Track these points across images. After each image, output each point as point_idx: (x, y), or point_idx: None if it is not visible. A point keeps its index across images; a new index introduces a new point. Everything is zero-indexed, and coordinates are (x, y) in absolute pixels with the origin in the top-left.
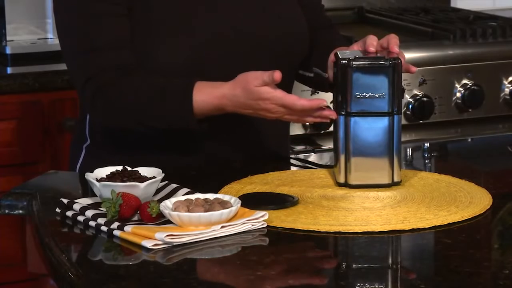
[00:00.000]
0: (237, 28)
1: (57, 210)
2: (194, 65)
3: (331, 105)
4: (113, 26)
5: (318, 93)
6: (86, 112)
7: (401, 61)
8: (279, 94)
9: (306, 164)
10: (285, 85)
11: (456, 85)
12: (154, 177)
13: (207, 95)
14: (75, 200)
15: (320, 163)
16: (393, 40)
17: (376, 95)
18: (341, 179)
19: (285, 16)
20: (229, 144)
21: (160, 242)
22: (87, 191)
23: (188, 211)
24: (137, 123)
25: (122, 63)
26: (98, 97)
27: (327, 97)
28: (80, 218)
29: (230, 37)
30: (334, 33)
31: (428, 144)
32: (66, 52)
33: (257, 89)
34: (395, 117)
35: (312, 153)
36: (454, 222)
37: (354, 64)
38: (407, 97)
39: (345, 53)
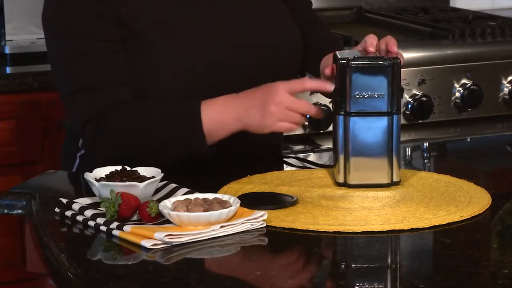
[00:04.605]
0: (234, 46)
1: (56, 209)
2: (189, 83)
3: (330, 105)
4: (109, 63)
5: (316, 93)
6: (89, 152)
7: (400, 61)
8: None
9: (305, 164)
10: None
11: (455, 84)
12: (153, 177)
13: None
14: (74, 200)
15: (319, 162)
16: (391, 41)
17: (375, 95)
18: (340, 179)
19: (279, 28)
20: (228, 143)
21: (159, 242)
22: (86, 190)
23: (187, 211)
24: (144, 156)
25: (121, 100)
26: (100, 138)
27: (325, 99)
28: (79, 217)
29: (229, 59)
30: (323, 30)
31: (427, 144)
32: (63, 92)
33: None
34: (394, 117)
35: (311, 153)
36: (453, 222)
37: (353, 64)
38: (406, 97)
39: (344, 53)
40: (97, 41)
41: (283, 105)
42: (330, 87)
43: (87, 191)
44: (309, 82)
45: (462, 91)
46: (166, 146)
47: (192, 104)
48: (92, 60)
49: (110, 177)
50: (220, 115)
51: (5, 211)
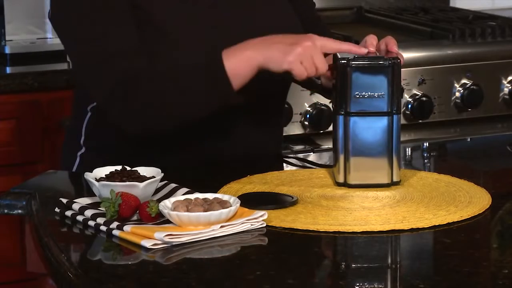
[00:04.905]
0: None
1: (56, 209)
2: None
3: (330, 105)
4: (123, 32)
5: (314, 94)
6: (120, 125)
7: (400, 61)
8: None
9: (305, 164)
10: (280, 92)
11: (455, 84)
12: (153, 177)
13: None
14: (74, 200)
15: (319, 162)
16: (391, 41)
17: (376, 95)
18: (340, 179)
19: (279, 27)
20: (227, 143)
21: (159, 242)
22: (87, 190)
23: (187, 210)
24: (177, 113)
25: (141, 66)
26: (130, 102)
27: (325, 99)
28: (79, 217)
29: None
30: (325, 32)
31: (427, 144)
32: (80, 66)
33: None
34: (394, 116)
35: (312, 153)
36: (453, 222)
37: (353, 63)
38: (406, 96)
39: (344, 53)
40: (109, 10)
41: (310, 51)
42: (362, 50)
43: (88, 191)
44: (341, 43)
45: (462, 91)
46: (194, 97)
47: (212, 46)
48: (108, 30)
49: (110, 177)
50: (243, 50)
51: (5, 211)
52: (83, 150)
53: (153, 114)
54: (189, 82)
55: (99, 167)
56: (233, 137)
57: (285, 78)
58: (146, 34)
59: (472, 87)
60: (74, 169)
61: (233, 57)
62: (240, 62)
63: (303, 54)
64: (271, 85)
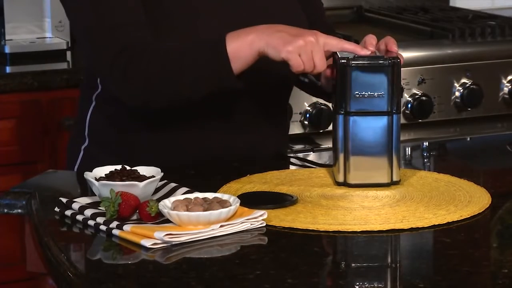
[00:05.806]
0: None
1: (56, 209)
2: None
3: (330, 105)
4: (132, 7)
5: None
6: (119, 95)
7: (400, 60)
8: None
9: (305, 163)
10: (283, 92)
11: (455, 84)
12: (153, 176)
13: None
14: (74, 199)
15: (319, 162)
16: (391, 41)
17: (375, 94)
18: (340, 178)
19: (290, 24)
20: (228, 143)
21: (159, 241)
22: (86, 190)
23: (187, 210)
24: (175, 87)
25: (147, 40)
26: (131, 70)
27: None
28: (79, 217)
29: None
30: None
31: (427, 143)
32: (83, 35)
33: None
34: (394, 116)
35: (311, 152)
36: (453, 221)
37: (353, 63)
38: (406, 96)
39: (344, 52)
40: None
41: (311, 46)
42: (365, 52)
43: (89, 190)
44: (344, 42)
45: (462, 90)
46: (194, 73)
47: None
48: (117, 4)
49: (109, 176)
50: (247, 34)
51: (5, 210)
52: (86, 143)
53: (152, 83)
54: (191, 57)
55: (101, 161)
56: (233, 137)
57: (288, 76)
58: (154, 20)
59: (471, 86)
60: (78, 162)
61: (236, 39)
62: (243, 45)
63: (304, 48)
64: (273, 85)
